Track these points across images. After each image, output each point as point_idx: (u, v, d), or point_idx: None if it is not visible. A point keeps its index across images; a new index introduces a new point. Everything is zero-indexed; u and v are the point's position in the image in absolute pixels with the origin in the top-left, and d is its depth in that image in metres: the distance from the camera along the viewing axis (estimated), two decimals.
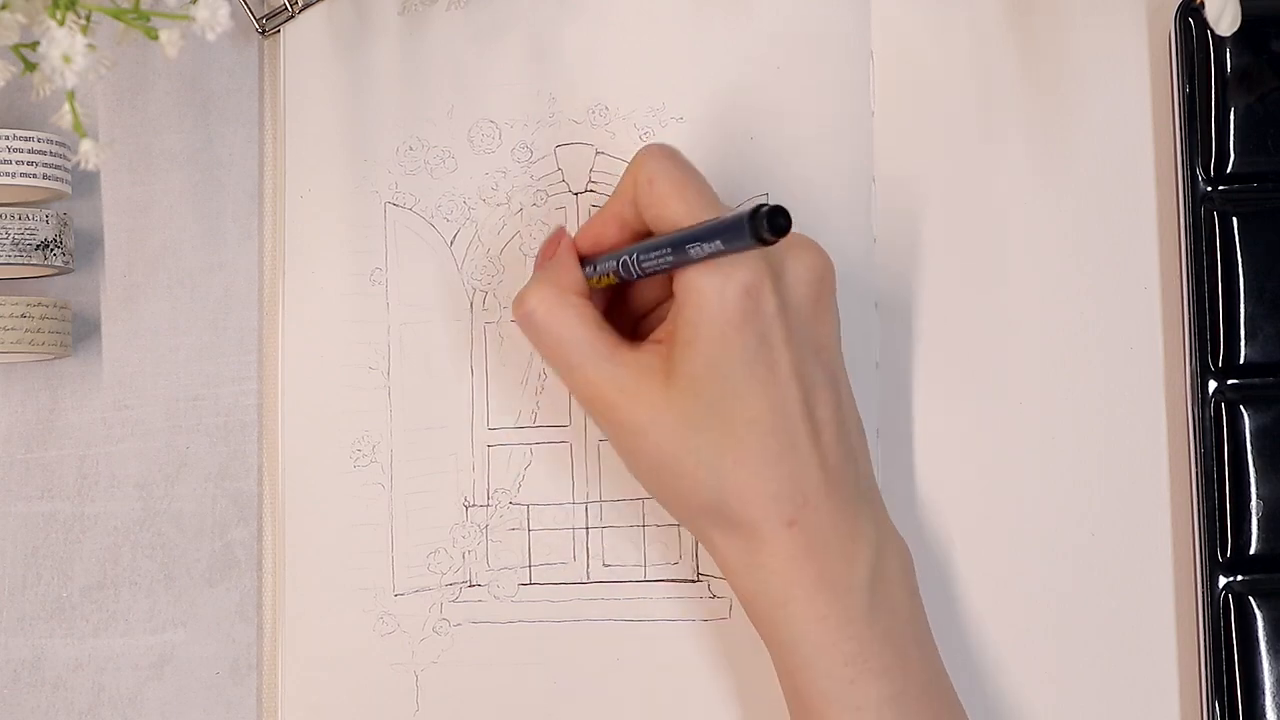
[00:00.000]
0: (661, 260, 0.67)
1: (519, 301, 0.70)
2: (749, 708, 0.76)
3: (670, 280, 0.69)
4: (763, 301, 0.66)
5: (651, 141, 0.71)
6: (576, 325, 0.69)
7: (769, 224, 0.62)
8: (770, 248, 0.64)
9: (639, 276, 0.69)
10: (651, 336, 0.70)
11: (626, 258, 0.69)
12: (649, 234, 0.70)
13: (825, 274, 0.69)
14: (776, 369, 0.67)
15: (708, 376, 0.66)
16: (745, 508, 0.67)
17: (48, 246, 0.74)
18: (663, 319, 0.71)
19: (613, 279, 0.70)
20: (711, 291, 0.66)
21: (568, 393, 0.77)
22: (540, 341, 0.70)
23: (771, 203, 0.64)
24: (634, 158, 0.70)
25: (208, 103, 0.79)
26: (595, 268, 0.71)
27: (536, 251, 0.73)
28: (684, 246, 0.66)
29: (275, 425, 0.78)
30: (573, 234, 0.72)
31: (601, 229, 0.71)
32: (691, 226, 0.67)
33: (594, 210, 0.78)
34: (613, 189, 0.72)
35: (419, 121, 0.79)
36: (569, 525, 0.77)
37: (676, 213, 0.68)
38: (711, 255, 0.65)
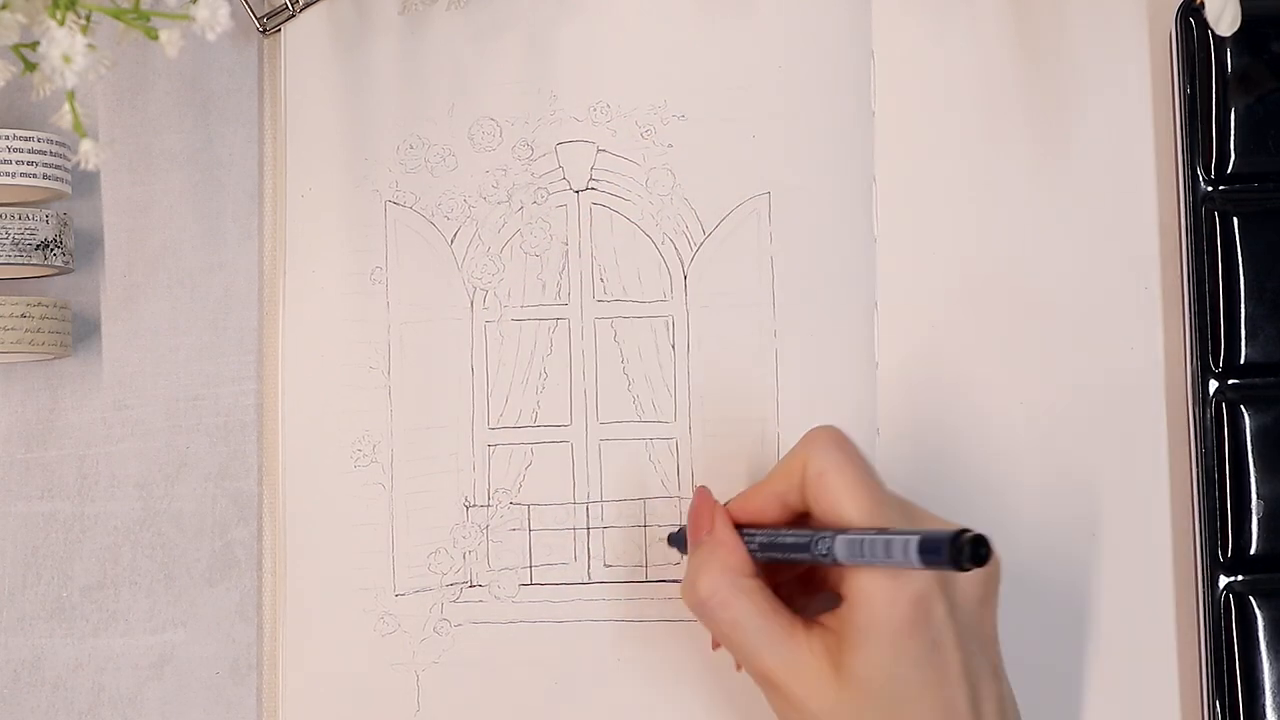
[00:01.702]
0: (833, 554, 0.66)
1: (690, 588, 0.69)
2: (749, 709, 0.76)
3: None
4: (934, 609, 0.65)
5: (818, 426, 0.69)
6: (752, 613, 0.68)
7: (971, 554, 0.61)
8: None
9: (801, 563, 0.68)
10: (823, 619, 0.68)
11: (796, 543, 0.68)
12: (808, 514, 0.69)
13: (994, 572, 0.68)
14: (947, 671, 0.66)
15: (879, 679, 0.65)
16: None
17: (48, 246, 0.74)
18: (824, 582, 0.70)
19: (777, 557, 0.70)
20: (883, 600, 0.65)
21: (568, 392, 0.77)
22: (715, 627, 0.69)
23: (965, 529, 0.62)
24: (803, 443, 0.69)
25: (208, 103, 0.79)
26: (758, 544, 0.69)
27: (687, 516, 0.72)
28: (861, 549, 0.65)
29: (275, 425, 0.78)
30: (722, 499, 0.72)
31: (762, 506, 0.70)
32: (869, 530, 0.65)
33: (595, 209, 0.78)
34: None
35: (419, 120, 0.79)
36: (569, 525, 0.77)
37: (848, 513, 0.67)
38: (874, 564, 0.65)
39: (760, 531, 0.69)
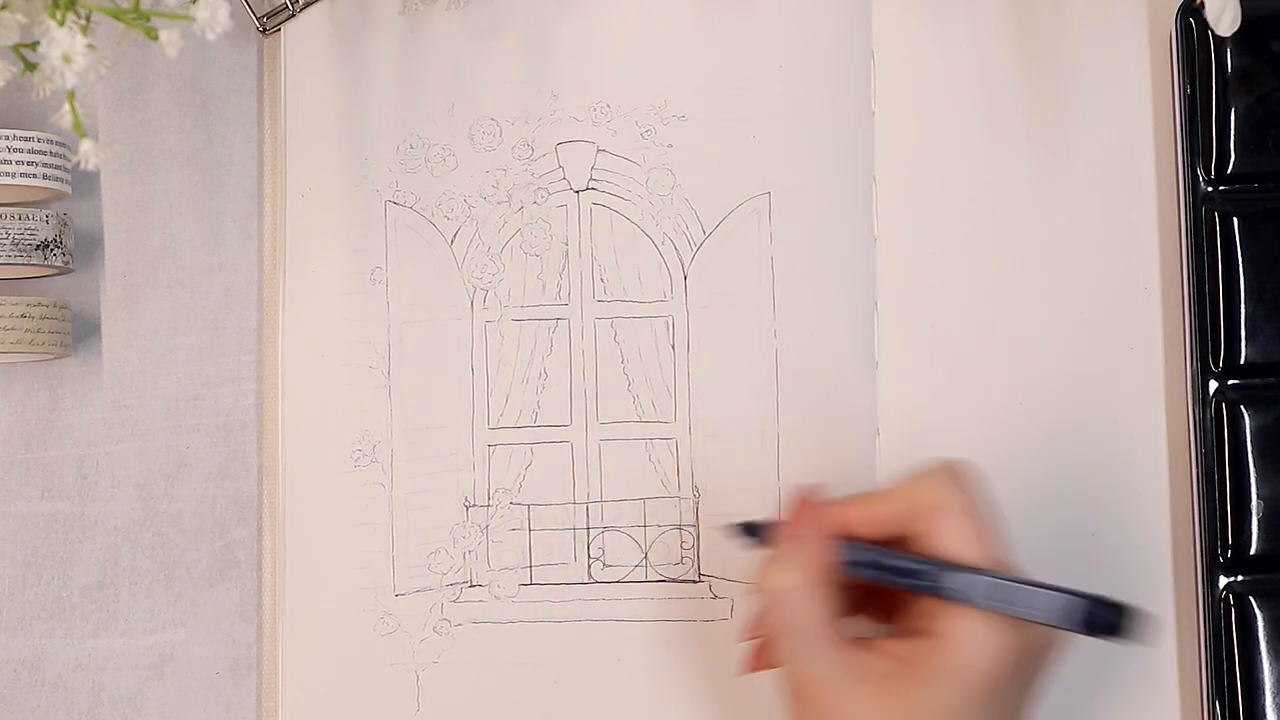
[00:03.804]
0: (939, 587, 0.65)
1: (772, 574, 0.67)
2: (749, 708, 0.76)
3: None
4: (1024, 672, 0.65)
5: (941, 459, 0.68)
6: (819, 619, 0.66)
7: (1118, 624, 0.61)
8: None
9: (900, 588, 0.67)
10: (886, 645, 0.67)
11: (903, 567, 0.67)
12: (900, 539, 0.67)
13: (1061, 642, 0.67)
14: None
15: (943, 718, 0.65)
16: None
17: (48, 246, 0.74)
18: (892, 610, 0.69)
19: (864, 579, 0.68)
20: (985, 650, 0.64)
21: (568, 392, 0.77)
22: (778, 619, 0.67)
23: (1105, 596, 0.62)
24: (930, 472, 0.68)
25: (208, 103, 0.79)
26: (857, 560, 0.68)
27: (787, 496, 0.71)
28: (1007, 595, 0.64)
29: (275, 425, 0.78)
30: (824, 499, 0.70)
31: (859, 523, 0.68)
32: (1008, 577, 0.65)
33: (595, 209, 0.78)
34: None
35: (419, 119, 0.79)
36: (569, 525, 0.77)
37: (964, 551, 0.65)
38: (1005, 611, 0.64)
39: (860, 546, 0.68)
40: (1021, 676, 0.65)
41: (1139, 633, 0.62)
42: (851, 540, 0.68)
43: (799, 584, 0.67)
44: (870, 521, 0.68)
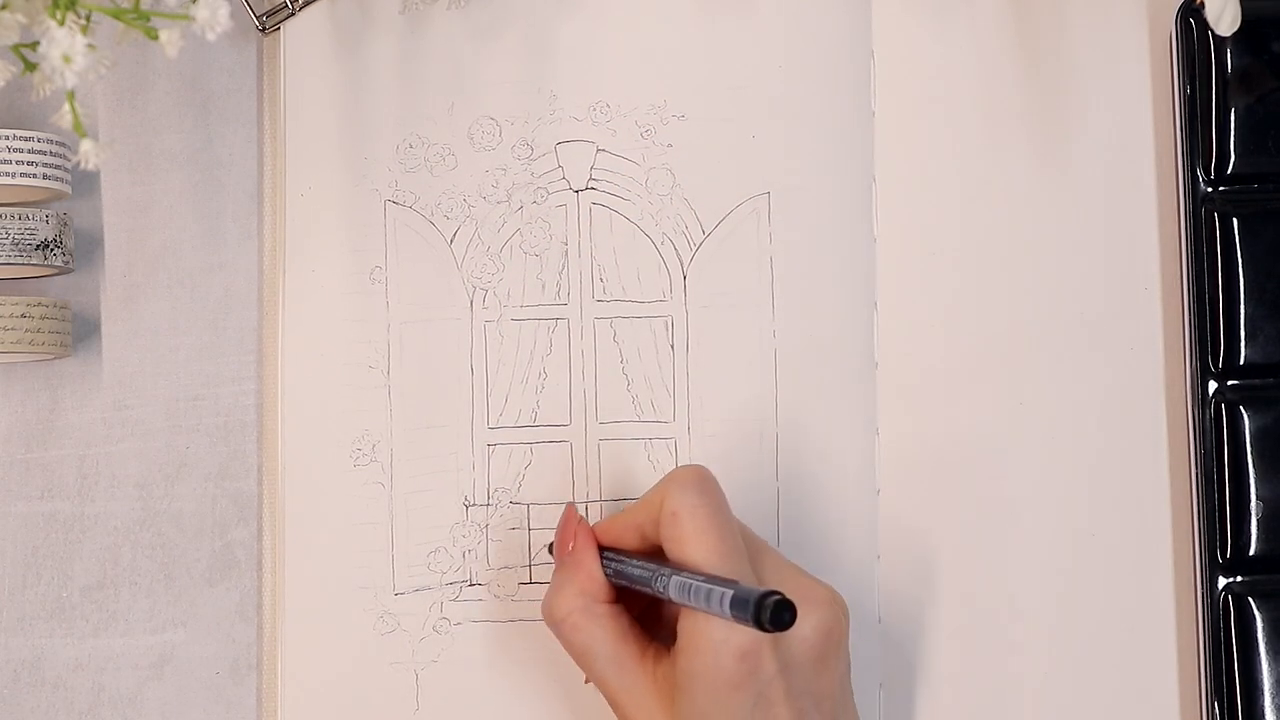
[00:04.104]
0: (667, 593, 0.67)
1: (547, 608, 0.71)
2: None
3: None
4: (761, 665, 0.66)
5: (685, 465, 0.71)
6: (601, 639, 0.70)
7: (772, 618, 0.62)
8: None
9: (648, 594, 0.69)
10: (672, 653, 0.69)
11: (640, 576, 0.69)
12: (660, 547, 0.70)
13: (833, 630, 0.68)
14: None
15: None
16: None
17: (48, 246, 0.74)
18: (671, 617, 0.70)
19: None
20: (709, 649, 0.66)
21: (567, 392, 0.78)
22: (567, 647, 0.71)
23: (774, 592, 0.62)
24: (666, 479, 0.70)
25: (208, 103, 0.79)
26: (614, 570, 0.71)
27: (553, 536, 0.73)
28: (689, 593, 0.66)
29: (275, 425, 0.78)
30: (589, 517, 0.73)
31: (621, 534, 0.71)
32: (702, 576, 0.66)
33: (595, 209, 0.78)
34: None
35: (419, 119, 0.79)
36: None
37: (693, 556, 0.67)
38: (699, 608, 0.65)
39: (615, 557, 0.71)
40: (776, 678, 0.66)
41: (791, 623, 0.62)
42: (612, 551, 0.71)
43: (573, 610, 0.70)
44: (628, 532, 0.71)
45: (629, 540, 0.71)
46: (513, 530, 0.77)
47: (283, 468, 0.78)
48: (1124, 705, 0.76)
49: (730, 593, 0.63)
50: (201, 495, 0.77)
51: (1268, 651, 0.74)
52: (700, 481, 0.69)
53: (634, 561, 0.70)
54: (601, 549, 0.71)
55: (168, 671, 0.77)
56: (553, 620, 0.71)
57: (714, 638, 0.66)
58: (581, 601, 0.70)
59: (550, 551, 0.75)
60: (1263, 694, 0.74)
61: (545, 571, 0.77)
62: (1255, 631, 0.74)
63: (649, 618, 0.72)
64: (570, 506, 0.73)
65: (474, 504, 0.77)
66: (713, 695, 0.66)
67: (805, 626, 0.67)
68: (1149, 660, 0.76)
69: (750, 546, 0.69)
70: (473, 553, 0.77)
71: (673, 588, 0.66)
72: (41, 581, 0.77)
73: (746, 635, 0.65)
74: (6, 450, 0.77)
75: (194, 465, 0.77)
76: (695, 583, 0.65)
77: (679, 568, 0.67)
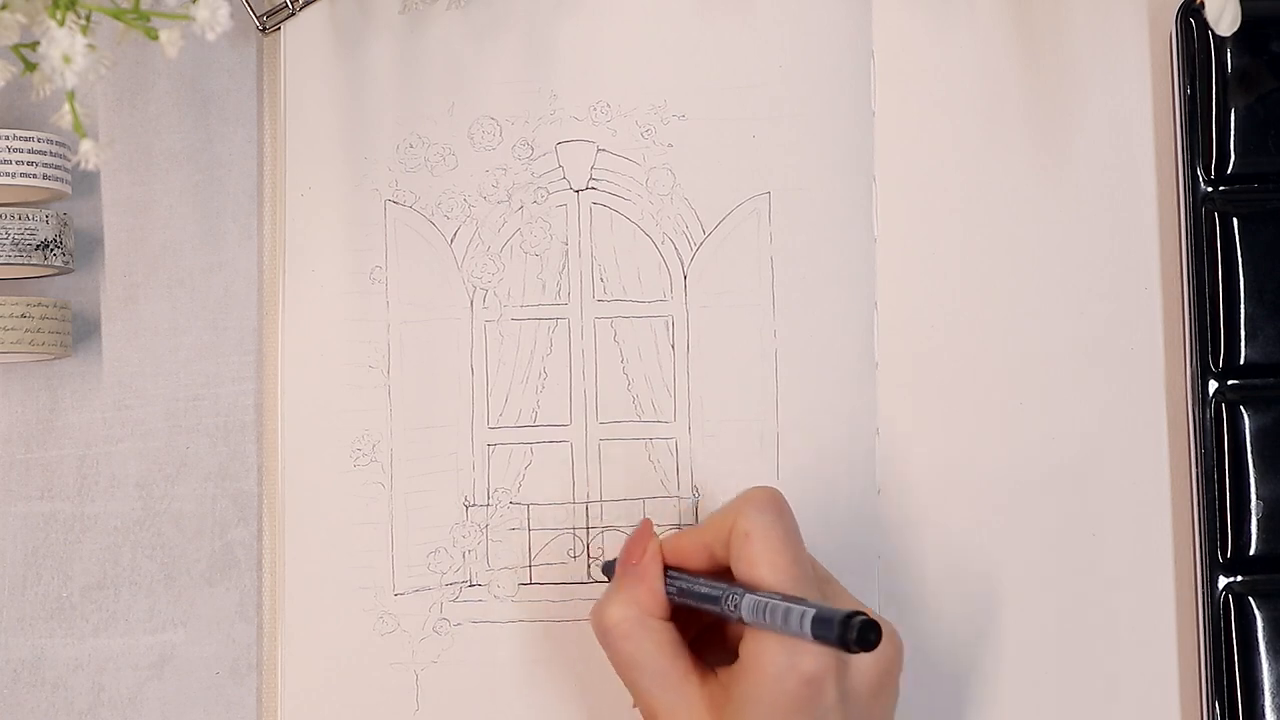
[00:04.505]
0: (738, 612, 0.66)
1: (599, 614, 0.70)
2: None
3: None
4: (824, 693, 0.65)
5: (758, 485, 0.70)
6: (650, 651, 0.68)
7: (859, 637, 0.62)
8: None
9: (712, 614, 0.68)
10: (719, 671, 0.68)
11: (709, 595, 0.68)
12: (730, 569, 0.69)
13: (893, 664, 0.68)
14: None
15: None
16: None
17: (48, 246, 0.74)
18: (733, 639, 0.70)
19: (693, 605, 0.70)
20: (773, 671, 0.65)
21: (568, 392, 0.77)
22: (613, 656, 0.69)
23: (860, 612, 0.62)
24: (739, 499, 0.69)
25: (208, 102, 0.78)
26: (678, 589, 0.70)
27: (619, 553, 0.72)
28: (763, 612, 0.65)
29: (275, 425, 0.78)
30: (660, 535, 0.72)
31: (690, 552, 0.70)
32: (777, 595, 0.65)
33: (595, 209, 0.78)
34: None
35: (419, 119, 0.79)
36: (569, 525, 0.77)
37: (764, 577, 0.67)
38: (775, 629, 0.65)
39: (682, 576, 0.70)
40: (836, 707, 0.65)
41: (877, 643, 0.62)
42: (676, 570, 0.70)
43: (625, 619, 0.69)
44: (696, 550, 0.70)
45: (695, 560, 0.70)
46: (513, 530, 0.77)
47: (283, 468, 0.78)
48: (1124, 705, 0.76)
49: (813, 611, 0.63)
50: (201, 495, 0.77)
51: (1268, 651, 0.74)
52: (774, 503, 0.68)
53: (703, 580, 0.69)
54: (666, 567, 0.70)
55: (168, 671, 0.77)
56: (602, 627, 0.69)
57: (780, 661, 0.65)
58: (635, 611, 0.69)
59: (605, 571, 0.75)
60: (1263, 694, 0.74)
61: (545, 572, 0.77)
62: (1255, 631, 0.74)
63: (702, 643, 0.71)
64: (647, 521, 0.72)
65: (474, 504, 0.77)
66: (772, 714, 0.65)
67: (868, 657, 0.66)
68: (1149, 660, 0.76)
69: (817, 575, 0.69)
70: (473, 553, 0.77)
71: (745, 607, 0.66)
72: (41, 581, 0.77)
73: (814, 661, 0.65)
74: (6, 450, 0.77)
75: (194, 465, 0.77)
76: (773, 601, 0.65)
77: (751, 588, 0.67)
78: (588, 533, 0.77)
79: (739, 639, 0.68)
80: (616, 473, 0.77)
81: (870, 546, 0.77)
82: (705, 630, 0.71)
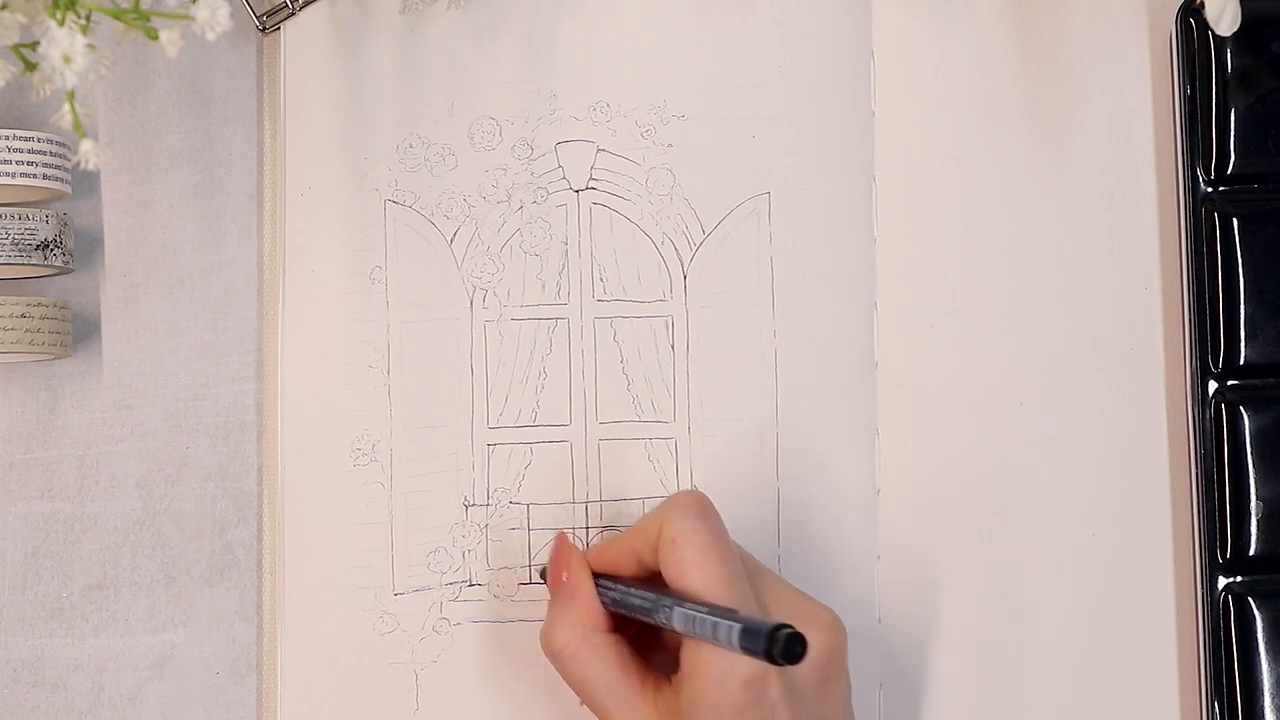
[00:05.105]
0: (671, 624, 0.66)
1: (545, 639, 0.70)
2: None
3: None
4: (766, 691, 0.65)
5: (683, 490, 0.70)
6: (601, 670, 0.69)
7: (784, 650, 0.61)
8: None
9: (648, 622, 0.68)
10: (674, 680, 0.68)
11: (642, 606, 0.68)
12: (661, 577, 0.69)
13: (835, 652, 0.68)
14: None
15: None
16: None
17: (48, 246, 0.74)
18: (673, 643, 0.70)
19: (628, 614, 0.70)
20: (714, 677, 0.65)
21: (567, 392, 0.78)
22: (567, 678, 0.70)
23: (784, 625, 0.62)
24: (664, 505, 0.69)
25: (208, 103, 0.79)
26: (612, 599, 0.70)
27: (546, 567, 0.73)
28: (693, 624, 0.65)
29: (275, 425, 0.78)
30: (582, 546, 0.72)
31: (618, 560, 0.71)
32: (706, 606, 0.66)
33: (595, 209, 0.78)
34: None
35: (419, 119, 0.79)
36: (569, 525, 0.77)
37: (694, 583, 0.67)
38: (706, 639, 0.65)
39: (614, 585, 0.70)
40: (781, 703, 0.66)
41: (803, 656, 0.62)
42: (608, 579, 0.70)
43: (570, 641, 0.69)
44: (624, 557, 0.70)
45: (625, 566, 0.70)
46: (512, 530, 0.77)
47: (283, 468, 0.78)
48: (1124, 705, 0.76)
49: (739, 626, 0.63)
50: (201, 495, 0.77)
51: (1268, 651, 0.74)
52: (699, 507, 0.69)
53: (634, 591, 0.69)
54: (597, 576, 0.71)
55: (168, 671, 0.77)
56: (550, 651, 0.70)
57: (719, 666, 0.65)
58: (579, 632, 0.70)
59: (543, 578, 0.75)
60: (1263, 694, 0.74)
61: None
62: (1255, 631, 0.74)
63: (644, 641, 0.71)
64: (562, 535, 0.73)
65: (474, 504, 0.77)
66: None
67: (809, 650, 0.67)
68: (1149, 660, 0.76)
69: (749, 570, 0.69)
70: (472, 553, 0.77)
71: (677, 619, 0.66)
72: (41, 581, 0.77)
73: (750, 664, 0.65)
74: (6, 450, 0.77)
75: (194, 465, 0.77)
76: (701, 615, 0.65)
77: (680, 595, 0.67)
78: (588, 533, 0.77)
79: (677, 641, 0.68)
80: (616, 473, 0.77)
81: (870, 547, 0.77)
82: (644, 629, 0.71)
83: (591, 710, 0.70)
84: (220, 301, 0.78)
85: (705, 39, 0.78)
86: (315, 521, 0.77)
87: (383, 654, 0.77)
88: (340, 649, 0.77)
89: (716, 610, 0.65)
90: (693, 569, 0.67)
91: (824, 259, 0.77)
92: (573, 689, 0.70)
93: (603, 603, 0.70)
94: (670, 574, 0.68)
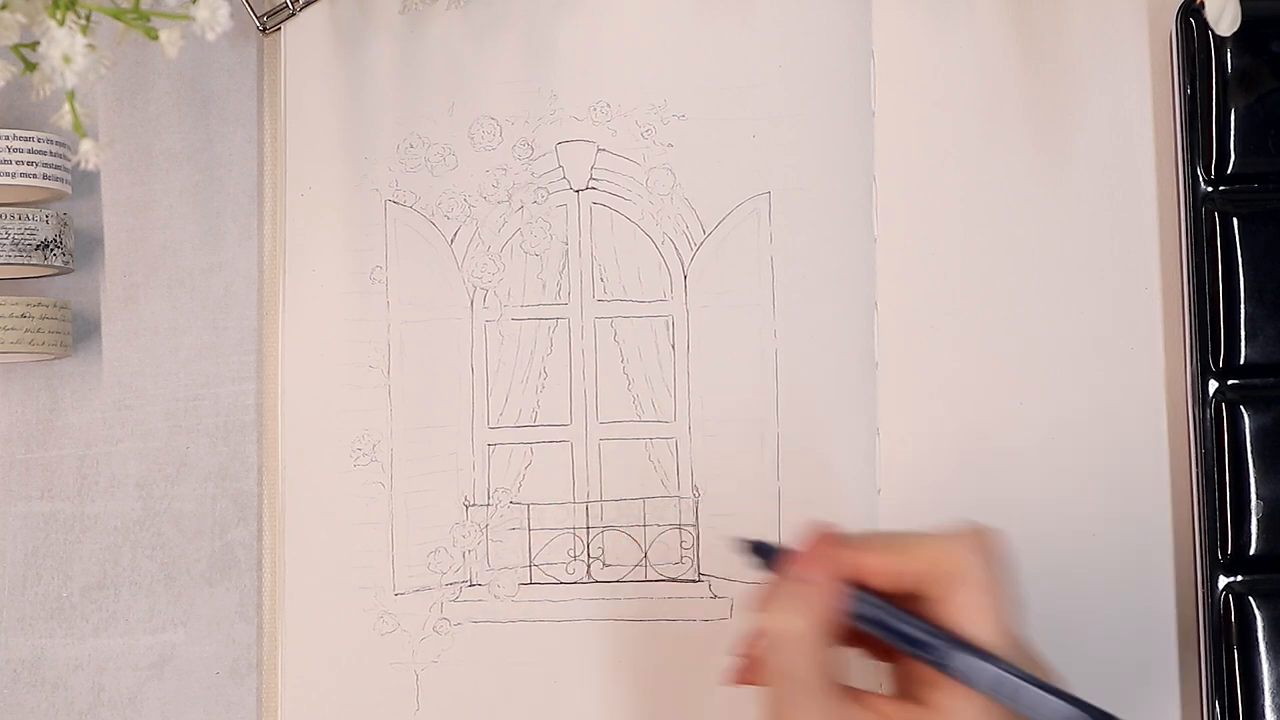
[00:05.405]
0: (954, 673, 0.62)
1: (773, 614, 0.64)
2: (748, 708, 0.75)
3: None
4: None
5: (980, 526, 0.64)
6: (816, 674, 0.63)
7: None
8: None
9: (904, 653, 0.64)
10: (879, 705, 0.64)
11: (917, 639, 0.63)
12: (914, 596, 0.64)
13: None
14: None
15: None
16: None
17: (48, 246, 0.74)
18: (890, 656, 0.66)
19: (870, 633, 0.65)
20: None
21: (568, 391, 0.77)
22: (772, 659, 0.64)
23: (1107, 710, 0.61)
24: (959, 537, 0.64)
25: (208, 103, 0.79)
26: (871, 618, 0.64)
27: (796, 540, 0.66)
28: (1006, 690, 0.62)
29: (275, 425, 0.78)
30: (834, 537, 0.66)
31: (874, 572, 0.64)
32: (1017, 670, 0.62)
33: (595, 209, 0.78)
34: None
35: (419, 119, 0.79)
36: (569, 525, 0.77)
37: (978, 630, 0.62)
38: (1006, 706, 0.62)
39: (870, 601, 0.64)
40: None
41: None
42: (862, 591, 0.64)
43: (800, 634, 0.63)
44: (886, 573, 0.64)
45: (875, 581, 0.65)
46: (513, 530, 0.77)
47: (283, 468, 0.78)
48: (1125, 705, 0.76)
49: (1067, 706, 0.61)
50: (201, 495, 0.77)
51: (1268, 651, 0.74)
52: (999, 553, 0.64)
53: (905, 616, 0.64)
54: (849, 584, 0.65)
55: (168, 671, 0.77)
56: (776, 629, 0.64)
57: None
58: (815, 625, 0.64)
59: (753, 551, 0.67)
60: (1263, 694, 0.74)
61: (545, 572, 0.77)
62: (1255, 631, 0.74)
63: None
64: (830, 532, 0.66)
65: (474, 504, 0.77)
66: None
67: None
68: (1149, 659, 0.76)
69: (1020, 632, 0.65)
70: (473, 553, 0.77)
71: (983, 677, 0.62)
72: (41, 581, 0.77)
73: None
74: (6, 450, 0.77)
75: (194, 465, 0.77)
76: (1023, 684, 0.61)
77: (960, 640, 0.62)
78: (588, 533, 0.77)
79: (897, 657, 0.65)
80: (616, 473, 0.77)
81: None
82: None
83: (775, 700, 0.64)
84: (220, 301, 0.78)
85: (705, 39, 0.78)
86: (315, 521, 0.77)
87: (383, 654, 0.77)
88: (340, 649, 0.77)
89: (1029, 678, 0.62)
90: (987, 621, 0.63)
91: (824, 259, 0.77)
92: (769, 670, 0.64)
93: (849, 612, 0.65)
94: (944, 609, 0.63)
